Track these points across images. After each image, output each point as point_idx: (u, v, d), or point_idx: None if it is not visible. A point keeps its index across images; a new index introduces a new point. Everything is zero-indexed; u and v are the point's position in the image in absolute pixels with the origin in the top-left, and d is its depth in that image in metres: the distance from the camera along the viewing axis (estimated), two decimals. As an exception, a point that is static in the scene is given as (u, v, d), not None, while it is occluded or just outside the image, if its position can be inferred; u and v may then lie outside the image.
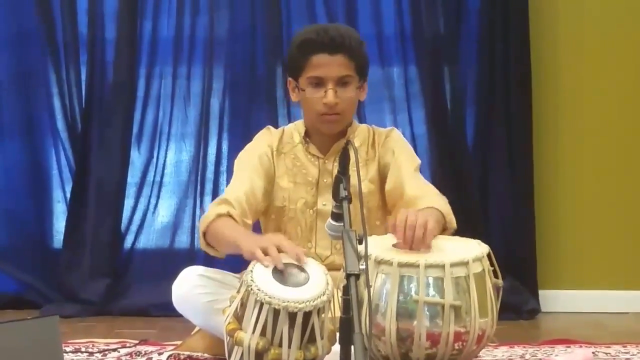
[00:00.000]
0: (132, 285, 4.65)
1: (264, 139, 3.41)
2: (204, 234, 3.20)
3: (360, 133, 3.40)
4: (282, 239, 2.95)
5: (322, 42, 3.24)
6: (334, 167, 3.29)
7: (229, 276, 3.23)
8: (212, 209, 3.23)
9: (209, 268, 3.27)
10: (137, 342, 3.73)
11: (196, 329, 3.38)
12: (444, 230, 3.13)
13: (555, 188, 4.69)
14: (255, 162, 3.33)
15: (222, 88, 4.67)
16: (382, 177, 3.35)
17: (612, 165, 4.68)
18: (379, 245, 2.97)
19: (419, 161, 3.39)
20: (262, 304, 2.77)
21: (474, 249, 3.00)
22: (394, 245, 3.00)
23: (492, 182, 4.65)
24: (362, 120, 4.35)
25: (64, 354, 3.24)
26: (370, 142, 3.39)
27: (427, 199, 3.18)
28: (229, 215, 3.18)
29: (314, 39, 3.26)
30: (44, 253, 4.73)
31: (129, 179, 4.69)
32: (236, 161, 3.41)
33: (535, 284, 4.60)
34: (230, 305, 2.88)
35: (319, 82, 3.25)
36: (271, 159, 3.36)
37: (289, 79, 3.36)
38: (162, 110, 4.70)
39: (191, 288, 3.20)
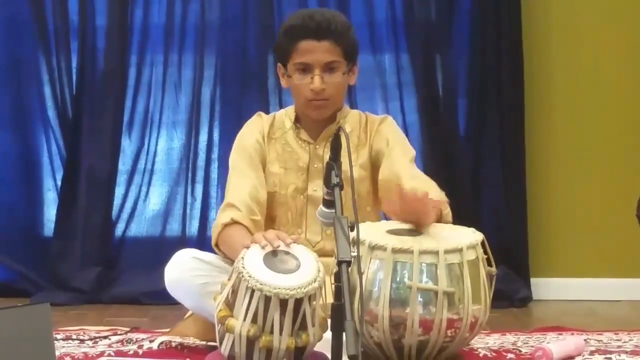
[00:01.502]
0: (123, 274, 4.64)
1: (255, 126, 3.41)
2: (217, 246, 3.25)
3: (351, 118, 3.40)
4: (275, 233, 2.95)
5: (308, 27, 3.24)
6: (324, 152, 3.29)
7: (222, 260, 3.22)
8: (218, 218, 3.27)
9: (202, 251, 3.28)
10: (128, 329, 3.72)
11: (188, 314, 3.37)
12: (439, 222, 3.13)
13: (546, 176, 4.69)
14: (251, 155, 3.34)
15: (213, 76, 4.66)
16: (373, 163, 3.35)
17: (604, 153, 4.68)
18: (373, 231, 2.97)
19: (413, 152, 3.39)
20: (253, 291, 2.76)
21: (469, 236, 3.01)
22: (388, 231, 2.99)
23: (484, 171, 4.65)
24: (353, 107, 4.33)
25: (55, 342, 3.23)
26: (362, 127, 3.39)
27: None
28: (235, 222, 3.20)
29: (300, 25, 3.26)
30: (35, 241, 4.72)
31: (120, 167, 4.68)
32: (231, 157, 3.40)
33: (527, 271, 4.61)
34: (221, 292, 2.88)
35: (305, 68, 3.26)
36: (263, 145, 3.36)
37: (279, 65, 3.36)
38: (153, 98, 4.68)
39: (184, 270, 3.20)
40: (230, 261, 3.05)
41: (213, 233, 3.26)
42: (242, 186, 3.29)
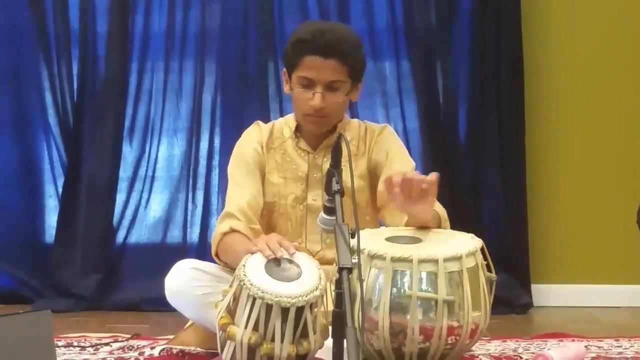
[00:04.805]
0: (124, 280, 4.64)
1: (254, 135, 3.40)
2: (217, 255, 3.24)
3: (351, 128, 3.38)
4: (278, 239, 2.95)
5: (317, 45, 3.20)
6: (323, 162, 3.29)
7: (222, 270, 3.22)
8: (217, 227, 3.26)
9: (202, 261, 3.27)
10: (129, 336, 3.72)
11: (189, 323, 3.37)
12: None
13: (547, 182, 4.69)
14: (249, 164, 3.33)
15: (214, 83, 4.66)
16: (371, 174, 3.34)
17: (603, 160, 4.68)
18: (372, 239, 2.97)
19: (413, 164, 3.38)
20: (254, 299, 2.76)
21: (468, 243, 3.00)
22: (387, 239, 2.99)
23: (484, 177, 4.65)
24: (354, 115, 4.33)
25: (56, 349, 3.23)
26: (362, 137, 3.38)
27: None
28: (234, 230, 3.19)
29: (309, 40, 3.21)
30: (36, 248, 4.72)
31: (121, 174, 4.68)
32: (229, 167, 3.39)
33: (527, 278, 4.61)
34: (222, 300, 2.88)
35: (308, 83, 3.23)
36: (262, 154, 3.35)
37: (284, 70, 3.34)
38: (154, 105, 4.69)
39: (184, 281, 3.19)
40: (231, 270, 3.05)
41: (213, 243, 3.25)
42: (240, 195, 3.28)
